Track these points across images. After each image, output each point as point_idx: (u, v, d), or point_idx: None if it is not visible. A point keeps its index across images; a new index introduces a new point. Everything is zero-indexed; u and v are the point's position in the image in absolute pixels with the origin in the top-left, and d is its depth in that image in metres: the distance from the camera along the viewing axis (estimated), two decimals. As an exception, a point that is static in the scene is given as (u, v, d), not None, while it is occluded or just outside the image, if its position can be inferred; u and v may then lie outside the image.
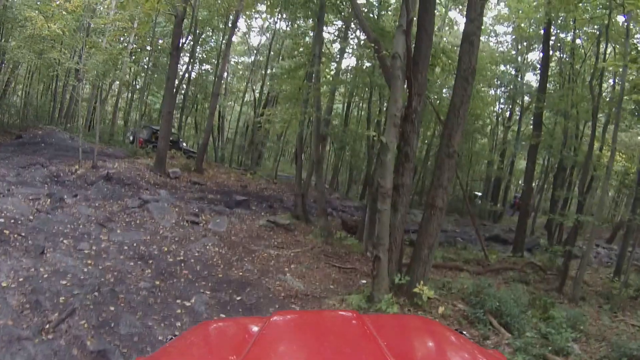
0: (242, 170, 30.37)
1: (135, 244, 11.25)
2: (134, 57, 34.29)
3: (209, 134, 26.62)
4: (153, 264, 10.13)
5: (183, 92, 36.89)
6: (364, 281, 11.30)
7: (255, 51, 39.92)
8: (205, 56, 37.33)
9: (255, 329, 2.76)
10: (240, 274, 10.53)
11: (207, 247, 12.03)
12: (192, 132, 43.19)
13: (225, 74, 39.03)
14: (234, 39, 41.67)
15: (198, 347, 2.79)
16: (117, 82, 34.88)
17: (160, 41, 34.24)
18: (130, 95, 37.72)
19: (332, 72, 22.94)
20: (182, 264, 10.40)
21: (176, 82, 30.88)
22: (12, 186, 15.00)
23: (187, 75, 35.49)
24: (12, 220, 11.35)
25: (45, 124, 29.80)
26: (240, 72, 43.56)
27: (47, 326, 6.58)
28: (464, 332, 3.52)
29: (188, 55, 32.02)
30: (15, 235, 10.20)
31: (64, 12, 19.76)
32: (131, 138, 30.40)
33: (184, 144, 34.95)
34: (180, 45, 22.77)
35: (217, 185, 22.37)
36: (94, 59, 19.92)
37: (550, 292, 12.79)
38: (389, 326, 3.07)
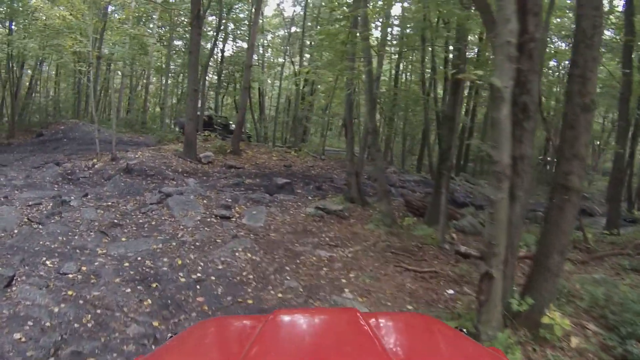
0: (286, 148, 27.40)
1: (139, 258, 8.45)
2: (164, 42, 32.12)
3: (244, 110, 23.74)
4: (157, 288, 7.28)
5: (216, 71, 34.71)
6: (451, 291, 8.18)
7: (290, 22, 36.93)
8: (235, 29, 34.53)
9: (255, 327, 2.62)
10: (280, 296, 7.44)
11: (237, 253, 9.08)
12: (234, 113, 40.77)
13: (261, 48, 36.45)
14: (268, 11, 39.05)
15: (198, 345, 2.64)
16: (147, 68, 32.85)
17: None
18: (164, 80, 35.29)
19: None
20: (198, 286, 7.49)
21: (208, 59, 28.72)
22: (16, 191, 12.94)
23: (218, 52, 33.20)
24: None
25: (70, 118, 27.99)
26: (278, 47, 40.65)
27: None
28: (464, 330, 3.49)
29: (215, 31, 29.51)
30: (-18, 261, 7.74)
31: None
32: (177, 128, 27.93)
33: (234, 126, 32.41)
34: (200, 13, 19.81)
35: (256, 168, 19.51)
36: (121, 47, 18.20)
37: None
38: (389, 324, 2.95)
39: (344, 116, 22.76)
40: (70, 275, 7.51)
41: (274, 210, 12.64)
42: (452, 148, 13.13)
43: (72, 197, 12.38)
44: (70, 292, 6.87)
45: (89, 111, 29.74)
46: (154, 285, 7.38)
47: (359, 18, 13.58)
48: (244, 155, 21.41)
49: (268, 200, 13.64)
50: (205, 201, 12.63)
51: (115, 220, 10.60)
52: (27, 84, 28.90)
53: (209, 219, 11.27)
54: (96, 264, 8.09)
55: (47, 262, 7.98)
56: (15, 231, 9.42)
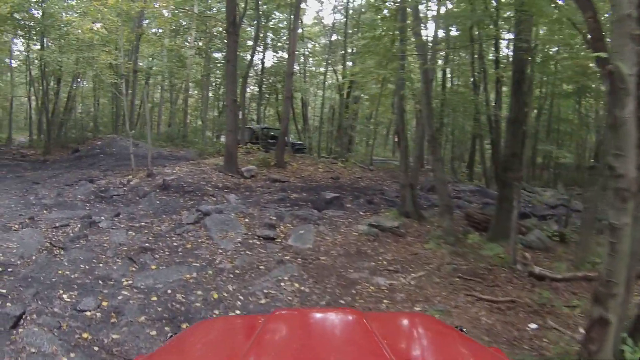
0: (332, 159, 26.06)
1: (169, 291, 7.24)
2: (203, 54, 31.43)
3: (287, 120, 22.51)
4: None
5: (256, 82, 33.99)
6: (534, 325, 6.73)
7: (330, 30, 36.15)
8: (275, 39, 33.58)
9: (255, 327, 2.60)
10: (334, 339, 6.20)
11: (282, 284, 7.77)
12: (276, 124, 39.87)
13: (302, 57, 35.45)
14: (307, 19, 38.03)
15: (198, 345, 2.60)
16: (186, 81, 32.27)
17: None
18: (204, 92, 34.55)
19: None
20: (237, 327, 6.25)
21: (247, 69, 27.82)
22: (45, 210, 12.04)
23: (258, 62, 32.43)
24: (4, 267, 7.86)
25: (107, 133, 27.53)
26: (318, 56, 39.58)
27: None
28: (464, 329, 3.21)
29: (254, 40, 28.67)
30: (-11, 296, 6.73)
31: (103, 9, 16.98)
32: None
33: (290, 138, 30.79)
34: (236, 19, 18.76)
35: (302, 181, 18.24)
36: (158, 60, 17.63)
37: None
38: (389, 324, 2.99)
39: (394, 123, 21.14)
40: (88, 313, 6.38)
41: (323, 229, 11.31)
42: (520, 155, 11.61)
43: (103, 218, 11.39)
44: (85, 335, 5.73)
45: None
46: (184, 326, 6.16)
47: (408, 13, 12.27)
48: (289, 168, 20.19)
49: (316, 217, 12.31)
50: (247, 220, 11.42)
51: (147, 244, 9.49)
52: (65, 100, 28.52)
53: (250, 241, 10.05)
54: (119, 298, 6.93)
55: (64, 296, 6.87)
56: (34, 258, 8.39)
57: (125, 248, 9.12)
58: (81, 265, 8.11)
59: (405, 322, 3.21)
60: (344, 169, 22.54)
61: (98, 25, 18.40)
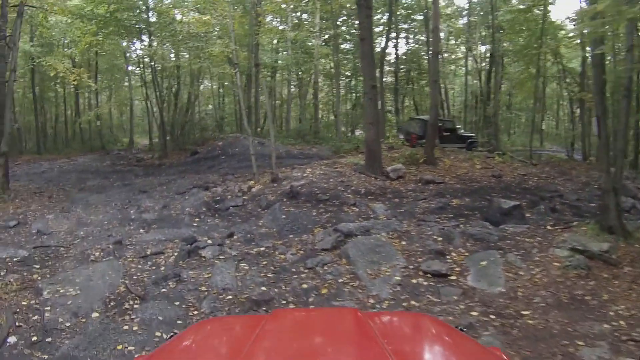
0: (487, 152, 21.82)
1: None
2: (331, 45, 29.68)
3: (436, 108, 18.62)
4: None
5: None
6: None
7: (466, 11, 32.80)
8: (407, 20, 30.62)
9: (255, 327, 2.46)
10: None
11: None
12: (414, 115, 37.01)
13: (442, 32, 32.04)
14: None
15: (199, 344, 2.56)
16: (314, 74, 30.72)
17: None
18: (336, 84, 31.90)
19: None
20: None
21: (382, 56, 24.90)
22: (142, 229, 9.84)
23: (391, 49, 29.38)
24: (43, 334, 5.23)
25: (231, 132, 26.55)
26: (455, 38, 36.18)
27: None
28: (464, 329, 3.41)
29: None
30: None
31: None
32: (401, 136, 23.29)
33: (462, 131, 26.53)
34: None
35: (459, 182, 14.31)
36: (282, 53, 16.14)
37: None
38: (389, 324, 2.90)
39: (594, 104, 16.29)
40: None
41: (512, 258, 7.41)
42: None
43: (210, 241, 8.54)
44: None
45: (253, 124, 27.37)
46: None
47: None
48: (441, 165, 16.37)
49: (496, 237, 8.43)
50: (403, 243, 7.95)
51: (263, 288, 6.42)
52: (186, 100, 27.93)
53: (414, 280, 6.59)
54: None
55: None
56: (94, 315, 5.59)
57: (229, 297, 6.10)
58: (157, 332, 5.25)
59: (405, 322, 3.05)
60: (502, 164, 18.36)
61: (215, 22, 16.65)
